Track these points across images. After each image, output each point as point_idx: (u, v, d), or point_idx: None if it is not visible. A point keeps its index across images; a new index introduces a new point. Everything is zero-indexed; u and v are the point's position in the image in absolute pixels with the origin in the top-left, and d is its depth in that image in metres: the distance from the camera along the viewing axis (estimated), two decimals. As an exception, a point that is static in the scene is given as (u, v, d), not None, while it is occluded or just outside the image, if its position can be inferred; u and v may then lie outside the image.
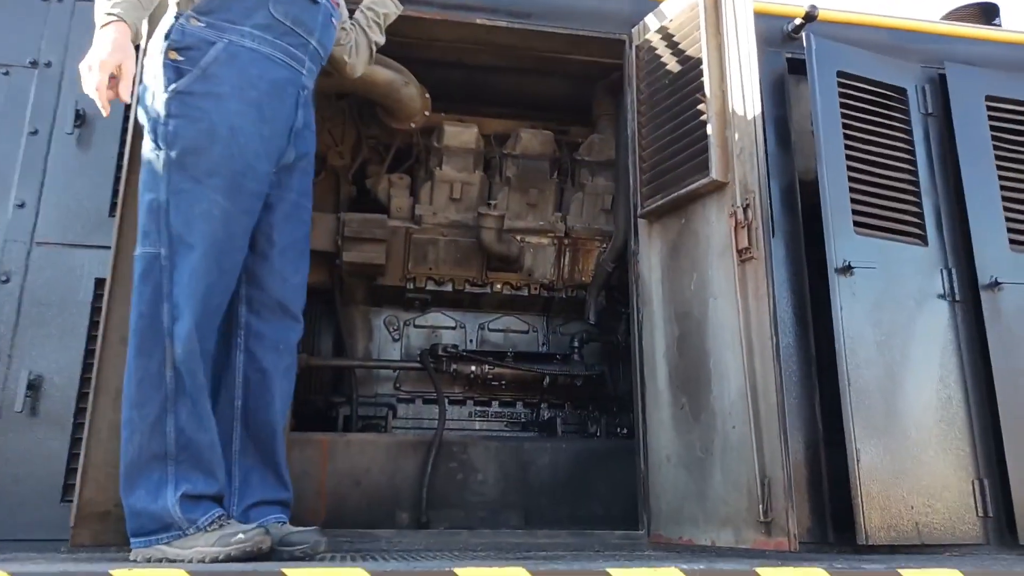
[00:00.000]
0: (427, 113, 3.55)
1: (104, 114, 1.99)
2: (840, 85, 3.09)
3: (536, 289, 3.63)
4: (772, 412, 2.35)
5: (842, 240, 2.83)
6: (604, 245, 3.62)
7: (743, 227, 2.52)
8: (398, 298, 3.63)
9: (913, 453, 2.74)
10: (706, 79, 2.71)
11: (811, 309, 2.92)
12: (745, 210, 2.53)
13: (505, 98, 3.85)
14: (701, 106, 2.73)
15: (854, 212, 2.90)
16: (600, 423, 3.57)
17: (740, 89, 2.64)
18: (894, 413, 2.76)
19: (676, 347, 2.78)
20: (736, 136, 2.63)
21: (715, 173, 2.62)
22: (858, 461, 2.64)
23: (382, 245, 3.39)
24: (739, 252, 2.53)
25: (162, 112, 2.08)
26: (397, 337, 3.71)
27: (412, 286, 3.53)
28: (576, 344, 3.66)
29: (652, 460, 2.82)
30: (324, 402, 3.47)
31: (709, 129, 2.66)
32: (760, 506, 2.32)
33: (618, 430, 3.72)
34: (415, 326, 3.74)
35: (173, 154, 2.07)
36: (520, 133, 3.65)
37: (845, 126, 3.02)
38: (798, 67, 3.22)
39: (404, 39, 3.38)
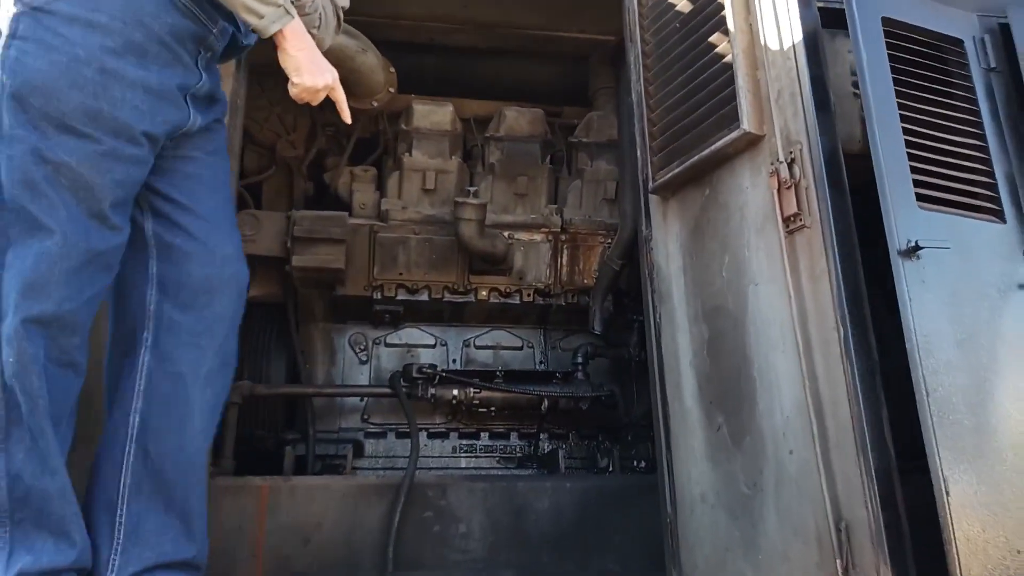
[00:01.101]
0: (392, 90, 3.00)
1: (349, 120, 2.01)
2: (887, 35, 2.51)
3: (529, 295, 3.02)
4: (845, 430, 1.73)
5: (905, 216, 2.18)
6: (608, 240, 3.03)
7: (789, 187, 1.92)
8: (364, 312, 3.03)
9: (1014, 482, 2.09)
10: (728, 10, 2.14)
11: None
12: (790, 166, 1.94)
13: (486, 86, 3.31)
14: (723, 45, 2.16)
15: (916, 183, 2.29)
16: (612, 455, 2.93)
17: (773, 16, 2.07)
18: (986, 431, 2.09)
19: (706, 352, 2.17)
20: (772, 75, 2.05)
21: (747, 124, 2.03)
22: (947, 493, 1.97)
23: (340, 247, 2.80)
24: (786, 221, 1.92)
25: (5, 28, 1.53)
26: (365, 359, 3.10)
27: (380, 296, 2.92)
28: (580, 360, 3.04)
29: (681, 500, 2.18)
30: (275, 441, 2.85)
31: (736, 71, 2.08)
32: (837, 560, 1.68)
33: (635, 463, 3.07)
34: (386, 345, 3.13)
35: (9, 85, 1.50)
36: (504, 111, 3.09)
37: (897, 82, 2.43)
38: (832, 19, 2.65)
39: (365, 18, 2.86)
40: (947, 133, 2.44)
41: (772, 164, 1.98)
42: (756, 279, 2.02)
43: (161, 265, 1.77)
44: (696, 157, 2.18)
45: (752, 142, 2.06)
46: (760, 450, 1.94)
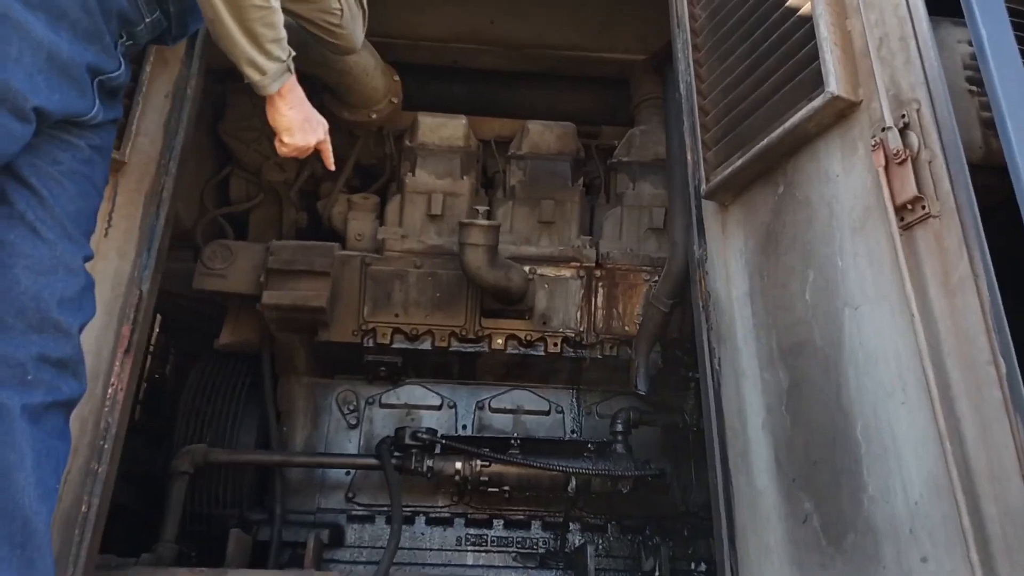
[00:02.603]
0: (395, 101, 2.54)
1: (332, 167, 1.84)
2: (1012, 12, 1.93)
3: (556, 345, 2.43)
4: (1020, 524, 1.06)
5: None
6: (655, 278, 2.43)
7: (902, 162, 1.33)
8: (356, 363, 2.48)
9: None
10: (803, -52, 1.60)
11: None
12: (904, 132, 1.34)
13: (516, 112, 2.84)
14: (798, -5, 1.61)
15: None
16: (659, 555, 2.23)
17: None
18: None
19: (785, 408, 1.53)
20: (870, 19, 1.49)
21: (835, 86, 1.46)
22: None
23: (323, 281, 2.30)
24: (900, 211, 1.32)
25: None
26: (354, 422, 2.53)
27: (371, 343, 2.38)
28: (620, 428, 2.40)
29: (753, 624, 1.51)
30: (237, 520, 2.28)
31: (817, 21, 1.52)
32: None
33: (692, 566, 2.38)
34: (381, 405, 2.56)
35: None
36: (528, 125, 2.59)
37: None
38: (935, 6, 2.09)
39: (381, 39, 2.46)
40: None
41: (875, 136, 1.39)
42: (855, 299, 1.40)
43: None
44: (765, 142, 1.61)
45: (843, 112, 1.49)
46: (873, 555, 1.28)
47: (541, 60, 2.89)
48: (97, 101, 1.44)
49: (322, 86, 2.47)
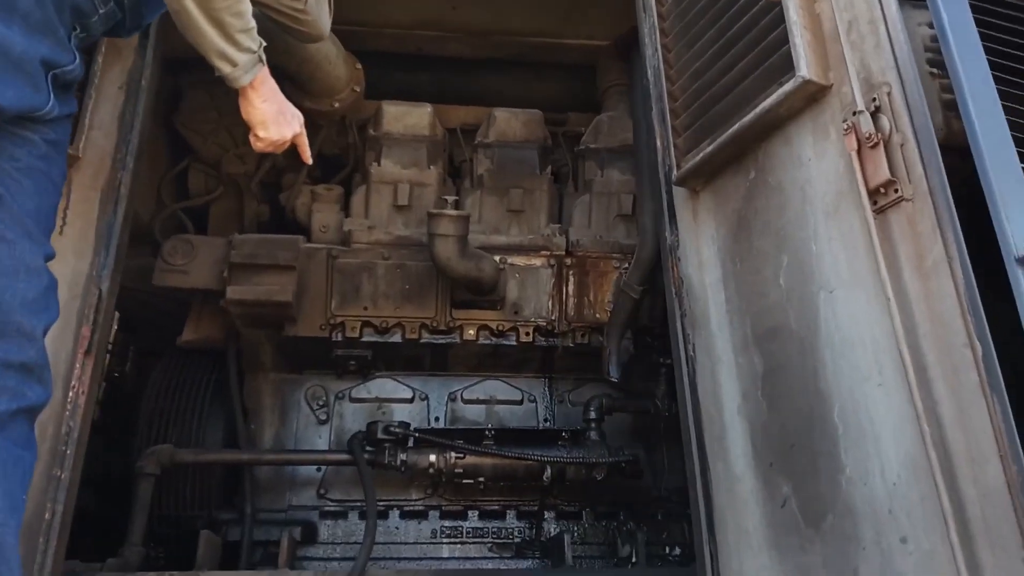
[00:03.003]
0: (357, 89, 2.49)
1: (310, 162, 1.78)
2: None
3: (528, 335, 2.41)
4: (997, 504, 1.08)
5: (1017, 214, 1.60)
6: (625, 265, 2.43)
7: (875, 146, 1.33)
8: (325, 358, 2.44)
9: None
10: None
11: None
12: (875, 116, 1.35)
13: (482, 100, 2.81)
14: (766, -22, 1.61)
15: None
16: (636, 541, 2.24)
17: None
18: None
19: (761, 393, 1.54)
20: (838, 2, 1.49)
21: (805, 70, 1.46)
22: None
23: (288, 275, 2.25)
24: (873, 194, 1.33)
25: None
26: (324, 417, 2.49)
27: (340, 337, 2.34)
28: (593, 416, 2.39)
29: (733, 608, 1.52)
30: (206, 521, 2.23)
31: (787, 5, 1.52)
32: None
33: (667, 551, 2.40)
34: (351, 400, 2.52)
35: None
36: (495, 113, 2.56)
37: (989, 51, 1.85)
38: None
39: (344, 27, 2.39)
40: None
41: (846, 120, 1.40)
42: (830, 283, 1.41)
43: None
44: (736, 127, 1.61)
45: (814, 96, 1.49)
46: (851, 536, 1.29)
47: (506, 47, 2.86)
48: (52, 96, 1.38)
49: (282, 75, 2.40)
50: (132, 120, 1.84)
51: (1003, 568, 1.05)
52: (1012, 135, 1.61)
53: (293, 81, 2.40)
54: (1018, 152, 1.60)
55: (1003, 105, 1.65)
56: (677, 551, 2.37)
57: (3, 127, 1.33)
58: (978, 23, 1.78)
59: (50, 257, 1.39)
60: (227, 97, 2.69)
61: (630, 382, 2.45)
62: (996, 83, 1.56)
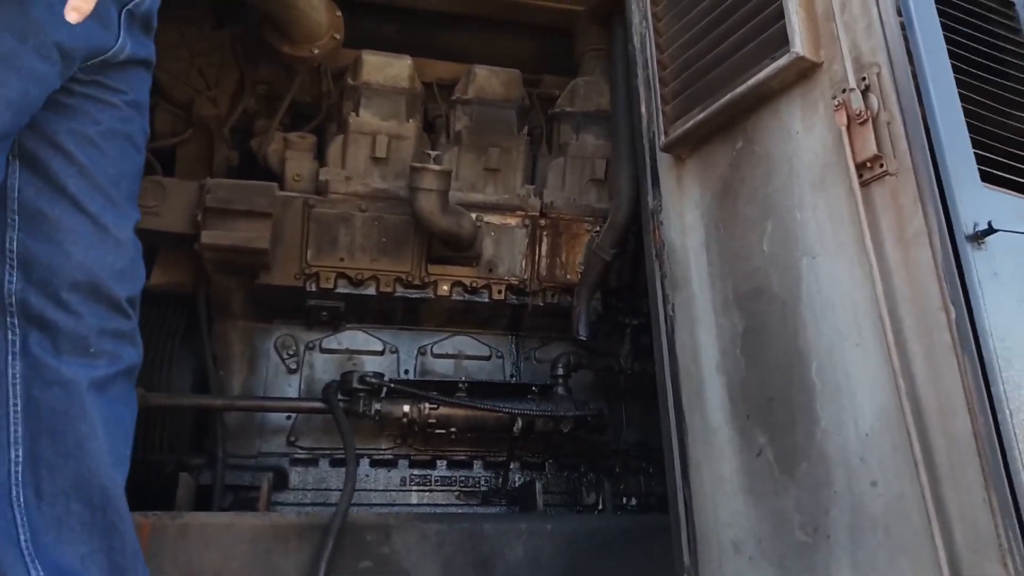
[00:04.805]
0: (337, 36, 2.45)
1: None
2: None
3: (500, 292, 2.46)
4: (964, 451, 1.21)
5: (970, 195, 1.73)
6: (596, 228, 2.50)
7: (863, 122, 1.43)
8: (296, 308, 2.44)
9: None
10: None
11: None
12: (865, 94, 1.44)
13: (453, 57, 2.80)
14: (763, -46, 1.67)
15: (979, 159, 1.82)
16: (603, 490, 2.36)
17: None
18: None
19: (739, 351, 1.64)
20: (833, -17, 1.57)
21: (799, 46, 1.54)
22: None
23: (264, 222, 2.23)
24: (860, 168, 1.43)
25: None
26: (294, 367, 2.50)
27: (314, 287, 2.34)
28: (561, 372, 2.48)
29: (706, 548, 1.63)
30: (175, 466, 2.23)
31: (783, -18, 1.59)
32: (961, 643, 1.15)
33: (624, 501, 2.52)
34: (322, 350, 2.53)
35: None
36: (475, 70, 2.57)
37: (949, 41, 1.98)
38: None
39: None
40: (1006, 105, 1.99)
41: (836, 96, 1.49)
42: (814, 250, 1.51)
43: (27, 239, 1.29)
44: (727, 98, 1.68)
45: (805, 72, 1.57)
46: (824, 481, 1.41)
47: (481, 4, 2.85)
48: (122, 32, 1.34)
49: (265, 18, 2.36)
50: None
51: (967, 507, 1.18)
52: (966, 121, 1.75)
53: (273, 24, 2.36)
54: (971, 137, 1.74)
55: (959, 93, 1.79)
56: (634, 502, 2.49)
57: (80, 90, 1.31)
58: (940, 14, 1.92)
59: (138, 222, 1.42)
60: (200, 36, 2.63)
61: (596, 341, 2.54)
62: (955, 72, 1.69)
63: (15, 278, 1.28)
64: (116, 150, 1.36)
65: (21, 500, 1.21)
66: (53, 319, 1.28)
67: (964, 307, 1.25)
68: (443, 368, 2.60)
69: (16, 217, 1.28)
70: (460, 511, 2.40)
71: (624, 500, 2.53)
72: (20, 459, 1.24)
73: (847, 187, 1.44)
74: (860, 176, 1.42)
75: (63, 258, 1.29)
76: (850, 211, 1.43)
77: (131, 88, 1.41)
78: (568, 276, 2.50)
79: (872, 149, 1.40)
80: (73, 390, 1.26)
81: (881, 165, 1.40)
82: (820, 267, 1.49)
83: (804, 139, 1.57)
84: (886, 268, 1.36)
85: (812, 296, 1.49)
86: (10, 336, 1.27)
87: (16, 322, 1.27)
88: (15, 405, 1.25)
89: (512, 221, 2.49)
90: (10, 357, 1.26)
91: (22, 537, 1.19)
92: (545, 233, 2.50)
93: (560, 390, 2.45)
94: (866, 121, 1.42)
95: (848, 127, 1.44)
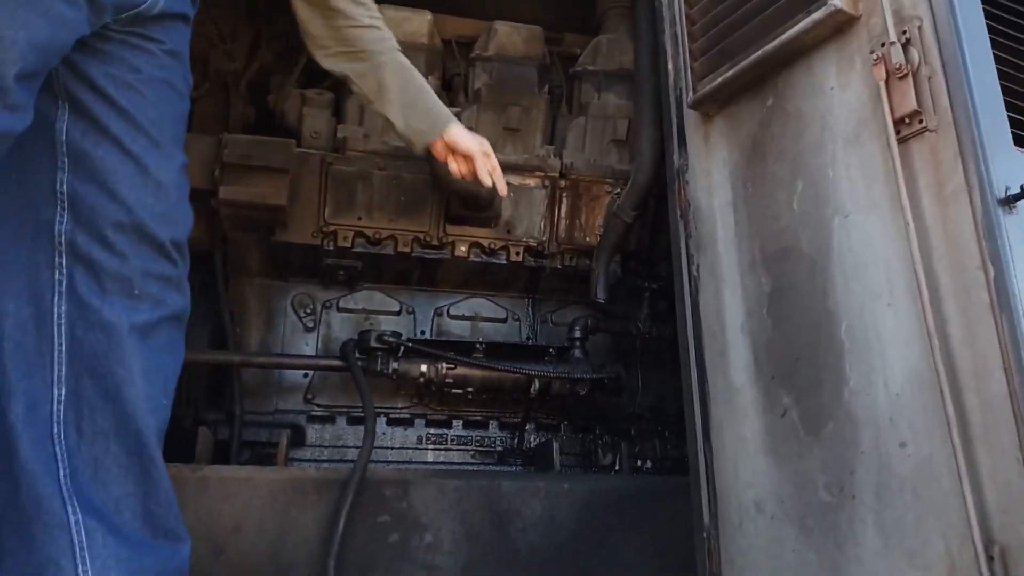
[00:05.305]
0: (356, -11, 2.39)
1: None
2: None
3: (519, 254, 2.44)
4: (998, 412, 1.19)
5: (1000, 158, 1.68)
6: (617, 190, 2.47)
7: (903, 77, 1.39)
8: (312, 266, 2.43)
9: None
10: None
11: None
12: (905, 48, 1.40)
13: (468, 13, 2.74)
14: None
15: (1012, 123, 1.78)
16: (620, 451, 2.36)
17: None
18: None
19: (766, 311, 1.62)
20: (874, -67, 1.52)
21: (838, -1, 1.49)
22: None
23: (282, 178, 2.20)
24: (898, 124, 1.39)
25: None
26: (311, 325, 2.50)
27: (332, 246, 2.32)
28: (578, 335, 2.46)
29: (726, 508, 1.63)
30: (192, 421, 2.23)
31: (821, -68, 1.54)
32: (990, 603, 1.14)
33: (638, 463, 2.52)
34: (339, 309, 2.53)
35: None
36: (496, 26, 2.52)
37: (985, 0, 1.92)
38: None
39: None
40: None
41: (875, 51, 1.44)
42: (846, 208, 1.48)
43: (74, 181, 1.30)
44: (758, 54, 1.64)
45: (841, 26, 1.52)
46: (851, 441, 1.40)
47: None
48: None
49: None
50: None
51: (1000, 468, 1.17)
52: (1001, 83, 1.70)
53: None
54: (1004, 100, 1.70)
55: (994, 54, 1.74)
56: (649, 465, 2.49)
57: (117, 35, 1.31)
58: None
59: (184, 165, 1.40)
60: (216, -13, 2.59)
61: (612, 305, 2.52)
62: (990, 33, 1.64)
63: (65, 219, 1.29)
64: (156, 95, 1.35)
65: (62, 437, 1.22)
66: (99, 259, 1.29)
67: (1002, 265, 1.22)
68: (459, 330, 2.60)
69: (65, 159, 1.29)
70: (477, 468, 2.41)
71: (639, 463, 2.53)
72: (63, 398, 1.25)
73: (883, 144, 1.41)
74: (898, 132, 1.39)
75: (108, 198, 1.30)
76: (885, 168, 1.40)
77: (169, 39, 1.41)
78: (587, 238, 2.48)
79: (912, 104, 1.37)
80: (113, 333, 1.26)
81: (920, 121, 1.36)
82: (852, 226, 1.46)
83: (838, 95, 1.53)
84: (922, 226, 1.33)
85: (843, 255, 1.47)
86: (57, 276, 1.28)
87: (64, 262, 1.28)
88: (60, 345, 1.26)
89: (531, 182, 2.46)
90: (57, 297, 1.27)
91: (61, 472, 1.20)
92: (565, 194, 2.47)
93: (577, 353, 2.44)
94: (906, 76, 1.38)
95: (887, 82, 1.40)
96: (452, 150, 1.83)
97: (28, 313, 1.25)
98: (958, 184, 1.30)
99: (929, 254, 1.31)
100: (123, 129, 1.30)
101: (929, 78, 1.37)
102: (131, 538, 1.22)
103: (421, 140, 1.82)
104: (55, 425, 1.22)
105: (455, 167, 1.86)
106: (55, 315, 1.25)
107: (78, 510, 1.18)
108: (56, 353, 1.24)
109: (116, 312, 1.28)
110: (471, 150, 1.82)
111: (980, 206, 1.27)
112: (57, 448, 1.20)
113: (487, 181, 1.87)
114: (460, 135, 1.81)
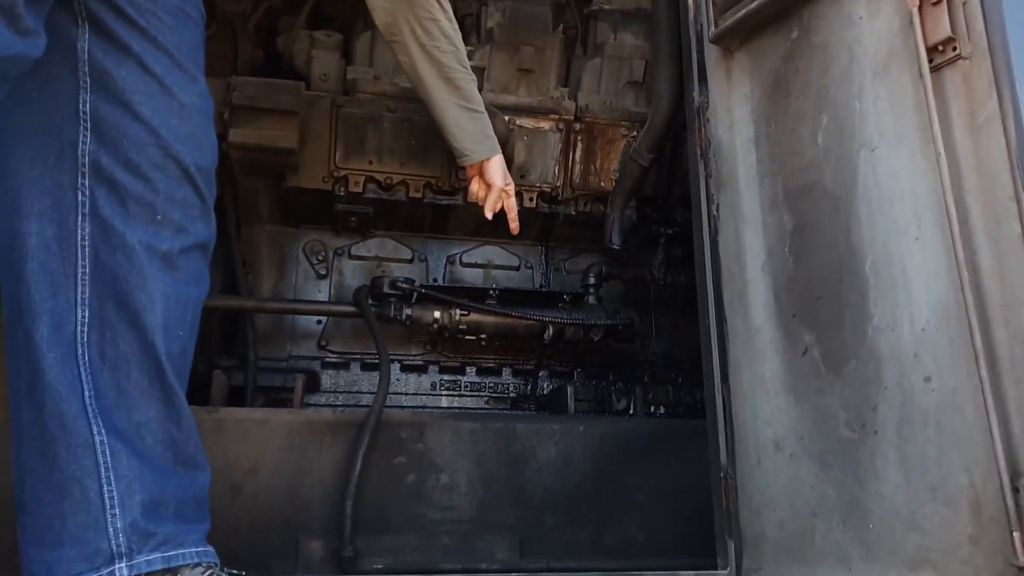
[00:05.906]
0: (366, -74, 2.32)
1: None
2: None
3: (532, 200, 2.41)
4: (1028, 343, 1.17)
5: None
6: (633, 134, 2.42)
7: (937, 2, 1.34)
8: (324, 213, 2.40)
9: None
10: None
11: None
12: (940, -27, 1.35)
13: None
14: None
15: None
16: (635, 395, 2.35)
17: None
18: None
19: (788, 249, 1.59)
20: None
21: (869, -77, 1.43)
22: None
23: (292, 121, 2.17)
24: (931, 52, 1.34)
25: None
26: (323, 272, 2.48)
27: (343, 191, 2.29)
28: (592, 282, 2.44)
29: (744, 446, 1.62)
30: (207, 366, 2.23)
31: None
32: (1015, 533, 1.13)
33: (651, 409, 2.52)
34: (351, 256, 2.51)
35: None
36: (508, -36, 2.44)
37: None
38: None
39: None
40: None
41: (907, -24, 1.39)
42: (873, 142, 1.44)
43: (97, 101, 1.27)
44: (783, -16, 1.59)
45: (872, -48, 1.47)
46: (874, 378, 1.38)
47: None
48: None
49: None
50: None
51: (1029, 399, 1.15)
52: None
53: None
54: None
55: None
56: (662, 410, 2.49)
57: None
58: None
59: (206, 91, 1.38)
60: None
61: (626, 252, 2.49)
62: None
63: (89, 139, 1.27)
64: (174, 19, 1.33)
65: (87, 358, 1.21)
66: (122, 181, 1.27)
67: (1030, 197, 1.19)
68: (472, 277, 2.58)
69: (87, 79, 1.27)
70: (493, 412, 2.41)
71: (652, 409, 2.52)
72: (86, 320, 1.24)
73: (914, 74, 1.36)
74: (931, 61, 1.34)
75: (132, 119, 1.28)
76: (916, 99, 1.36)
77: None
78: (602, 183, 2.44)
79: (946, 31, 1.32)
80: (135, 259, 1.24)
81: (954, 48, 1.32)
82: (879, 159, 1.42)
83: (867, 24, 1.48)
84: (954, 157, 1.29)
85: (868, 190, 1.43)
86: (80, 197, 1.26)
87: (87, 183, 1.26)
88: (83, 267, 1.24)
89: (545, 125, 2.41)
90: (80, 219, 1.26)
91: (86, 393, 1.19)
92: (579, 138, 2.43)
93: (591, 299, 2.42)
94: (940, 2, 1.33)
95: (920, 8, 1.35)
96: (481, 175, 1.94)
97: (52, 233, 1.23)
98: (992, 113, 1.26)
99: (960, 185, 1.28)
100: (145, 48, 1.27)
101: (964, 3, 1.32)
102: (153, 462, 1.22)
103: (464, 157, 1.95)
104: (79, 347, 1.21)
105: (475, 189, 1.98)
106: (79, 236, 1.23)
107: (103, 431, 1.18)
108: (80, 275, 1.23)
109: (139, 236, 1.26)
110: (494, 183, 1.93)
111: (1015, 135, 1.23)
112: (82, 369, 1.20)
113: (488, 214, 1.96)
114: (494, 169, 1.93)
